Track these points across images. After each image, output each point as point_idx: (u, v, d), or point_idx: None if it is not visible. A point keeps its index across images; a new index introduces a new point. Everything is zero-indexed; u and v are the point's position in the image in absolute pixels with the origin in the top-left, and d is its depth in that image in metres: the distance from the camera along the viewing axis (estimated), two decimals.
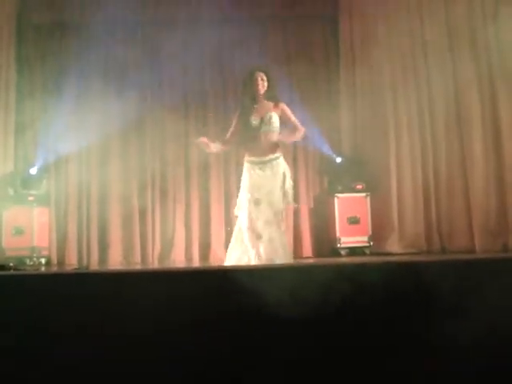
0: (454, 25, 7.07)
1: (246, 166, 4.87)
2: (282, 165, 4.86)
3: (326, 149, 7.68)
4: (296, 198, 5.33)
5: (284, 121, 4.92)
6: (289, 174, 4.89)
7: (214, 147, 4.98)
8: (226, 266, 4.59)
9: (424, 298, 2.28)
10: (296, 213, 7.73)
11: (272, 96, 4.92)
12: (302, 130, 4.95)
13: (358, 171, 7.56)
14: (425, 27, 7.34)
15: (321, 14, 8.14)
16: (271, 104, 4.89)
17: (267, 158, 4.82)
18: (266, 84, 4.88)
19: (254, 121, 4.81)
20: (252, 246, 4.68)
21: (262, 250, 4.63)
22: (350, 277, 2.33)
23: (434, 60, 7.21)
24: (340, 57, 7.94)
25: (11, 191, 7.28)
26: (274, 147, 4.86)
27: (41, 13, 7.88)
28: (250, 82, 4.90)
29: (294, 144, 7.79)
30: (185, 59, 7.71)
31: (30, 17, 7.87)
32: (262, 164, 4.81)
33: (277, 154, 4.85)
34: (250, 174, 4.83)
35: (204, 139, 4.93)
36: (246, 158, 4.88)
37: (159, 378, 2.31)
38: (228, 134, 5.02)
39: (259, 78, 4.87)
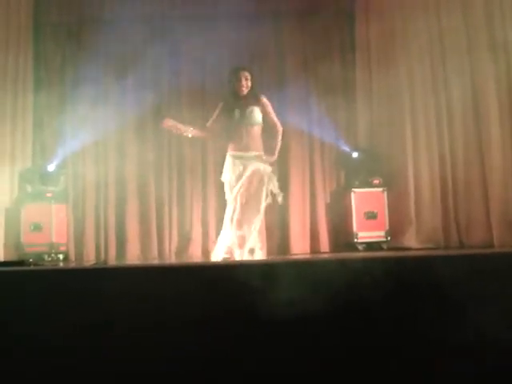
0: (471, 20, 6.99)
1: (229, 160, 5.01)
2: (264, 168, 4.97)
3: (343, 144, 7.67)
4: (285, 196, 5.42)
5: (263, 115, 5.01)
6: (274, 177, 5.00)
7: (186, 130, 5.11)
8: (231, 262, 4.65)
9: (427, 293, 2.26)
10: (312, 208, 7.73)
11: (254, 94, 5.06)
12: (279, 128, 5.05)
13: (375, 166, 7.52)
14: (442, 23, 7.28)
15: (337, 10, 8.10)
16: (252, 99, 5.01)
17: (250, 154, 4.90)
18: (249, 84, 4.98)
19: (236, 114, 4.95)
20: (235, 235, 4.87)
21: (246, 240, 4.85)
22: (352, 272, 2.32)
23: (452, 55, 7.15)
24: (356, 52, 7.90)
25: (29, 188, 7.33)
26: (258, 143, 4.94)
27: (58, 10, 7.93)
28: (235, 80, 5.01)
29: (310, 139, 7.81)
30: (202, 54, 7.74)
31: (48, 14, 7.92)
32: (245, 160, 4.89)
33: (260, 153, 4.94)
34: (232, 167, 4.91)
35: (168, 121, 5.06)
36: (229, 152, 5.02)
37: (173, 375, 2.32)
38: (208, 122, 5.22)
39: (243, 78, 4.98)
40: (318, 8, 7.96)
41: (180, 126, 5.08)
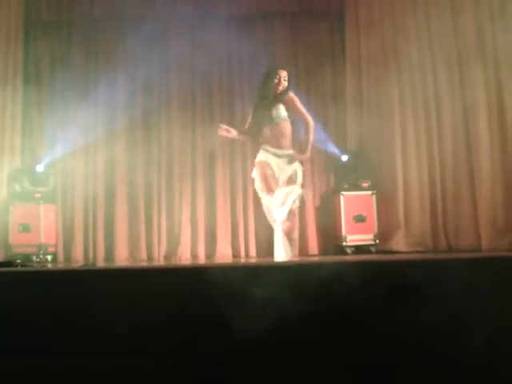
0: (461, 19, 7.02)
1: (263, 152, 4.99)
2: (295, 164, 4.98)
3: (332, 147, 7.68)
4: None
5: (293, 110, 5.00)
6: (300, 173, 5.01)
7: (234, 133, 5.15)
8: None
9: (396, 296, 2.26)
10: (302, 211, 7.73)
11: (285, 94, 5.04)
12: (310, 123, 5.03)
13: (364, 169, 7.54)
14: (431, 23, 7.31)
15: (327, 11, 8.14)
16: (281, 97, 5.02)
17: (282, 151, 4.91)
18: (286, 84, 4.98)
19: (273, 113, 4.94)
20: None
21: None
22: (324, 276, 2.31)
23: (441, 54, 7.17)
24: (346, 54, 7.93)
25: (18, 188, 7.30)
26: (288, 141, 4.95)
27: (48, 8, 7.90)
28: (274, 77, 4.98)
29: (299, 142, 7.81)
30: (192, 55, 7.73)
31: (38, 12, 7.89)
32: (278, 156, 4.91)
33: (291, 152, 4.93)
34: (266, 157, 4.92)
35: (223, 128, 5.12)
36: (263, 146, 5.00)
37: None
38: (246, 125, 5.22)
39: (282, 77, 4.97)
40: (308, 9, 8.01)
41: (232, 129, 5.12)
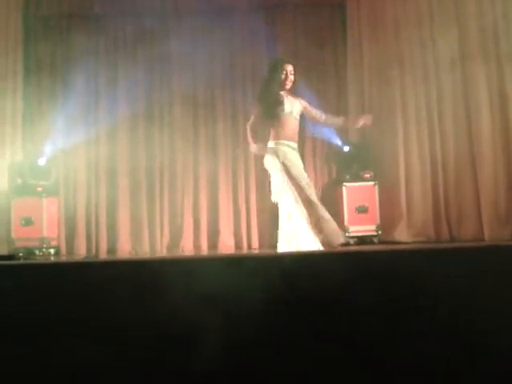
0: (463, 3, 6.99)
1: (279, 148, 4.73)
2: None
3: (334, 137, 7.67)
4: None
5: (307, 112, 4.93)
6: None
7: (262, 148, 4.84)
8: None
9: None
10: None
11: (295, 88, 4.92)
12: (323, 115, 5.01)
13: (366, 160, 7.53)
14: (433, 11, 7.28)
15: (329, 1, 8.11)
16: (293, 95, 4.90)
17: (293, 144, 4.81)
18: (292, 78, 4.87)
19: (287, 107, 4.79)
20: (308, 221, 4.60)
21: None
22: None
23: (442, 44, 7.14)
24: (348, 43, 7.90)
25: (20, 182, 7.31)
26: (297, 136, 4.88)
27: (48, 4, 7.90)
28: (280, 70, 4.85)
29: (302, 133, 7.78)
30: (193, 48, 7.70)
31: (37, 8, 7.88)
32: (293, 149, 4.80)
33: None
34: (283, 153, 4.72)
35: (255, 145, 4.83)
36: (277, 141, 4.76)
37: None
38: (254, 122, 4.91)
39: (289, 71, 4.85)
40: (310, 3, 7.98)
41: (260, 146, 4.82)
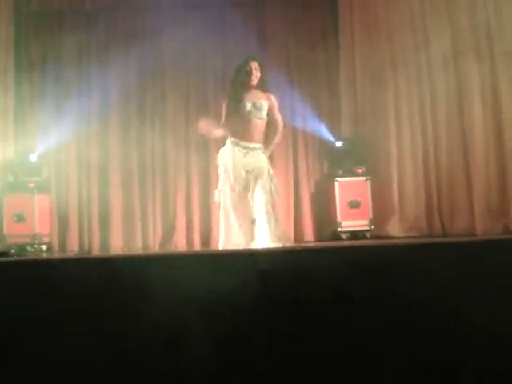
0: (455, 3, 6.99)
1: (229, 146, 4.80)
2: (265, 160, 4.86)
3: (326, 133, 7.68)
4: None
5: (268, 112, 4.89)
6: (272, 172, 4.91)
7: (217, 133, 4.87)
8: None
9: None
10: (296, 197, 7.76)
11: (263, 86, 4.89)
12: (280, 129, 4.97)
13: (358, 155, 7.55)
14: (425, 11, 7.28)
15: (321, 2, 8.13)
16: (261, 93, 4.87)
17: (253, 145, 4.79)
18: (258, 74, 4.84)
19: (247, 105, 4.77)
20: (239, 226, 4.68)
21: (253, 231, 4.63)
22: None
23: (435, 42, 7.15)
24: (340, 41, 7.91)
25: (12, 178, 7.29)
26: (261, 136, 4.85)
27: (39, 0, 7.87)
28: (244, 69, 4.85)
29: (294, 129, 7.80)
30: (184, 44, 7.68)
31: (28, 3, 7.84)
32: (248, 149, 4.78)
33: (261, 145, 4.84)
34: (231, 153, 4.76)
35: (205, 122, 4.87)
36: (231, 139, 4.81)
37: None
38: (222, 120, 4.91)
39: (253, 68, 4.83)
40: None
41: (213, 129, 4.82)
